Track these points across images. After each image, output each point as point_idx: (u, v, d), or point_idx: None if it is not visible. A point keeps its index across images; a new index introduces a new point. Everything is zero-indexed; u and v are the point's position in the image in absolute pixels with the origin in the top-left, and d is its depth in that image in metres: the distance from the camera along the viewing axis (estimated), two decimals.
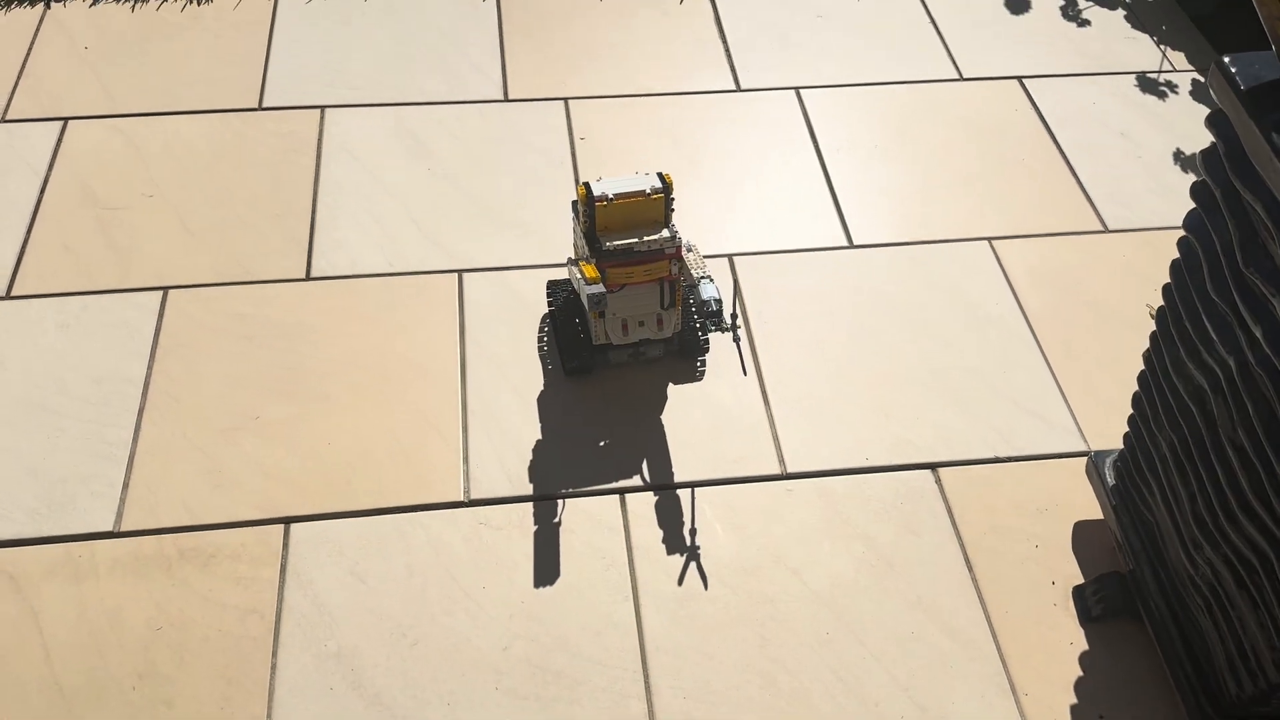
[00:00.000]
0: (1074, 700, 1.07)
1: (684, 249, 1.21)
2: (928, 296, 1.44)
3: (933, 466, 1.25)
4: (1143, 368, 1.07)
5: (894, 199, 1.57)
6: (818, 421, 1.29)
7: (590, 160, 1.60)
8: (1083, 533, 1.20)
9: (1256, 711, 0.98)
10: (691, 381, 1.31)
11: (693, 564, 1.15)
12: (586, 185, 1.15)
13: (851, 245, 1.50)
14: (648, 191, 1.15)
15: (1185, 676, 1.03)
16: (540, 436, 1.26)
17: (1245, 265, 0.84)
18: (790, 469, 1.25)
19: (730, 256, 1.48)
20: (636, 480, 1.22)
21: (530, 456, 1.24)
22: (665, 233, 1.16)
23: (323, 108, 1.66)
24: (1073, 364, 1.36)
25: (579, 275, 1.18)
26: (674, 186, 1.17)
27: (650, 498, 1.21)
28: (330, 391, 1.29)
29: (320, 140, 1.61)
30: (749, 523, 1.19)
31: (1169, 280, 1.00)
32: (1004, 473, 1.25)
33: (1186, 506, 0.99)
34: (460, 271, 1.44)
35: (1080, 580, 1.16)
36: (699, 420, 1.28)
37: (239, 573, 1.14)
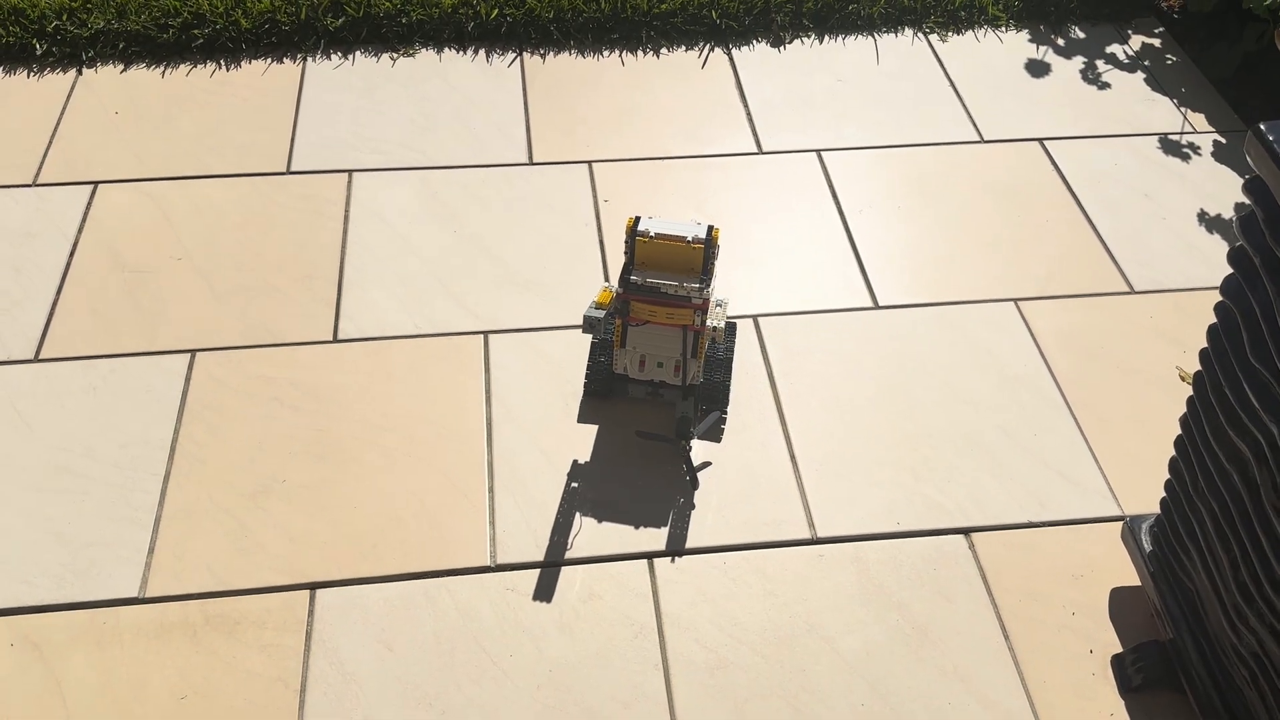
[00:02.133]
0: None
1: (713, 303, 1.21)
2: (955, 357, 1.43)
3: (966, 531, 1.24)
4: (1179, 433, 1.06)
5: (918, 260, 1.57)
6: (847, 484, 1.28)
7: (614, 222, 1.61)
8: (1120, 600, 1.18)
9: None
10: (713, 441, 1.30)
11: (724, 632, 1.14)
12: (636, 219, 1.17)
13: (877, 306, 1.50)
14: (689, 239, 1.15)
15: None
16: (567, 499, 1.25)
17: None
18: (821, 533, 1.23)
19: (755, 318, 1.48)
20: (664, 544, 1.21)
21: (557, 519, 1.23)
22: (697, 284, 1.16)
23: (350, 171, 1.68)
24: (1103, 426, 1.35)
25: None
26: (719, 243, 1.17)
27: (679, 562, 1.20)
28: (357, 454, 1.29)
29: (348, 203, 1.63)
30: (780, 589, 1.18)
31: (1205, 345, 0.99)
32: (1038, 538, 1.24)
33: (1229, 574, 0.98)
34: (486, 333, 1.44)
35: (1118, 649, 1.13)
36: (727, 482, 1.27)
37: (264, 639, 1.12)
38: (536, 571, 1.18)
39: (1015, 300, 1.51)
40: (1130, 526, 1.17)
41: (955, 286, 1.53)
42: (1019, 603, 1.17)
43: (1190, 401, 1.03)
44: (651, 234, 1.16)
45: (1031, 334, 1.46)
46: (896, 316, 1.48)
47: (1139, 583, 1.18)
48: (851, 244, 1.59)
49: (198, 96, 1.80)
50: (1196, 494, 1.03)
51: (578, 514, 1.24)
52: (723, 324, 1.21)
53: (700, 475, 1.26)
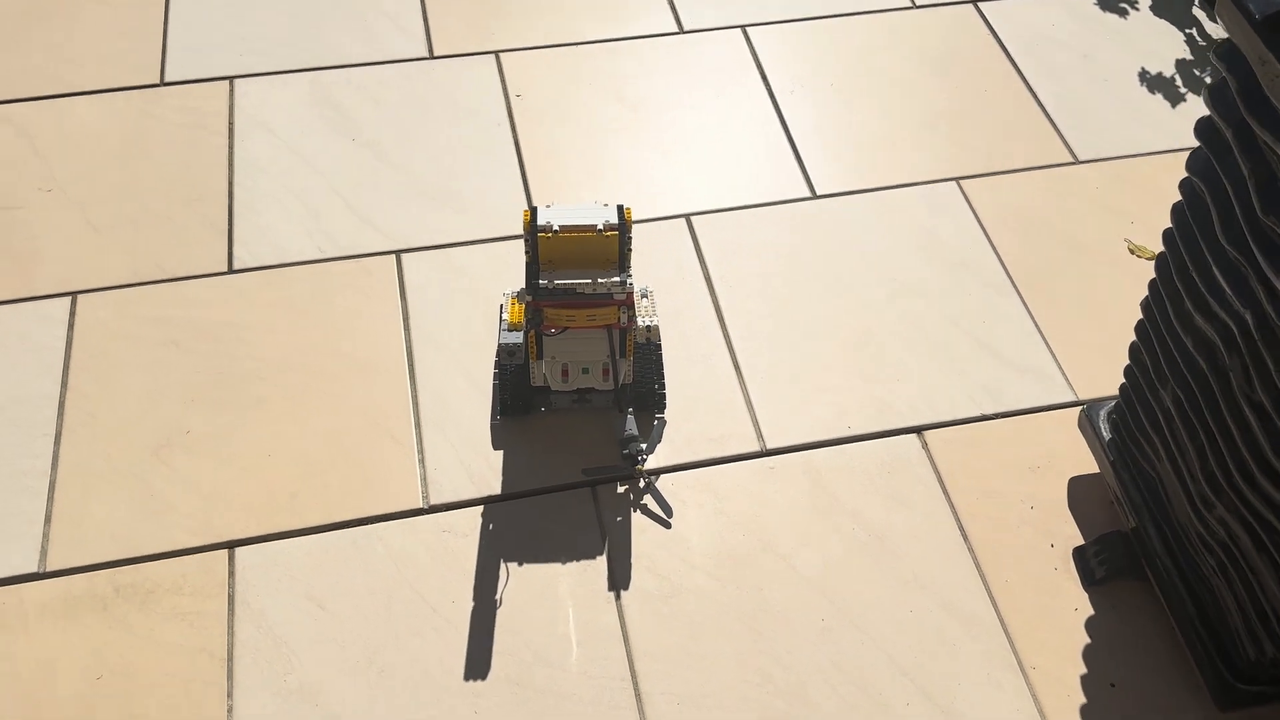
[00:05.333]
0: (1084, 670, 1.02)
1: (638, 295, 1.11)
2: (898, 245, 1.36)
3: (918, 430, 1.19)
4: (1140, 317, 1.01)
5: (855, 142, 1.48)
6: (794, 390, 1.22)
7: (529, 120, 1.48)
8: (1079, 489, 1.14)
9: (1277, 674, 0.94)
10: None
11: (676, 556, 1.08)
12: (532, 211, 1.04)
13: (814, 195, 1.41)
14: (600, 227, 1.02)
15: (1198, 640, 0.99)
16: (500, 428, 1.17)
17: (1264, 212, 0.77)
18: (770, 444, 1.17)
19: (687, 217, 1.38)
20: (605, 462, 1.14)
21: (492, 452, 1.15)
22: (616, 278, 1.03)
23: (231, 79, 1.52)
24: (1054, 309, 1.30)
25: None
26: (632, 224, 1.04)
27: (624, 487, 1.13)
28: (266, 396, 1.19)
29: (231, 115, 1.47)
30: (732, 507, 1.12)
31: (1169, 225, 0.93)
32: (992, 431, 1.19)
33: (1195, 463, 0.94)
34: (398, 252, 1.33)
35: (1080, 540, 1.11)
36: (670, 399, 1.20)
37: (183, 607, 1.04)
38: (474, 510, 1.11)
39: (957, 179, 1.43)
40: (1088, 414, 1.12)
41: (895, 169, 1.44)
42: (976, 501, 1.13)
43: (1152, 284, 0.97)
44: (555, 228, 1.02)
45: (975, 215, 1.39)
46: (836, 206, 1.40)
47: (1098, 470, 1.15)
48: (785, 129, 1.49)
49: (51, 3, 1.61)
50: (1160, 381, 0.98)
51: (514, 443, 1.16)
52: (655, 322, 1.10)
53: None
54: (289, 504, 1.11)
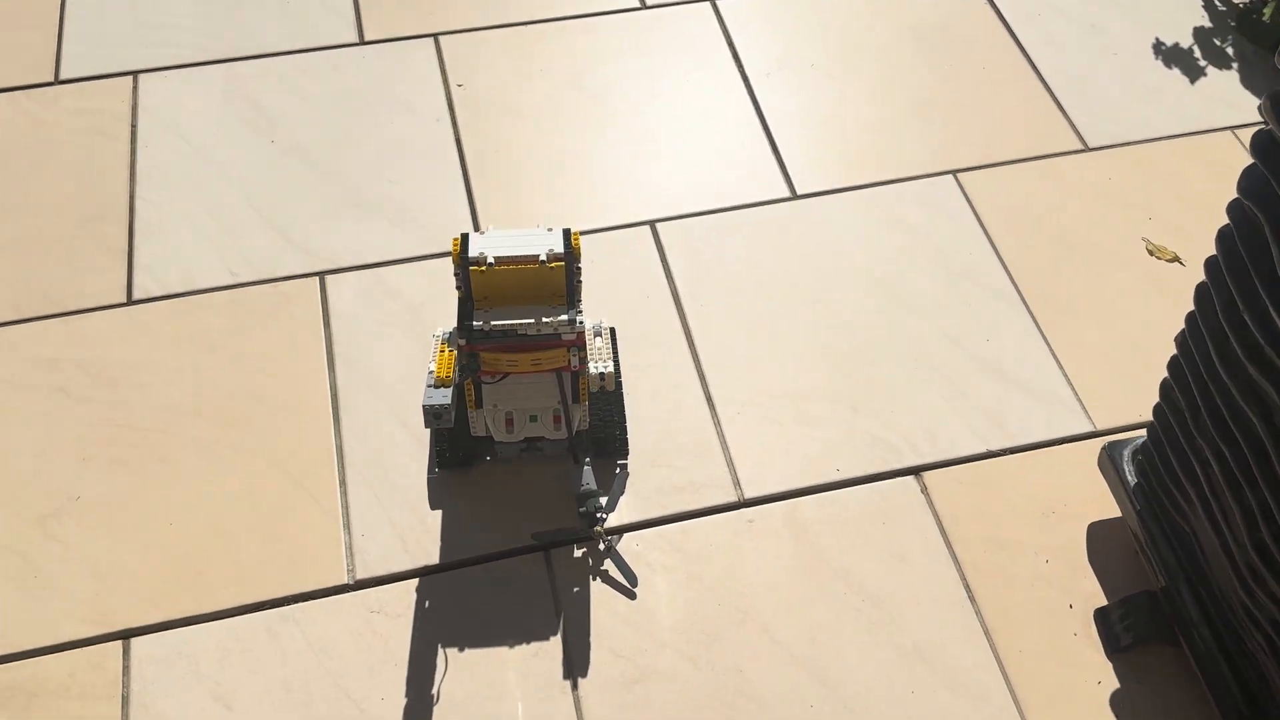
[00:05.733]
0: None
1: (590, 333, 0.96)
2: (890, 252, 1.21)
3: (916, 471, 1.04)
4: (1174, 353, 0.86)
5: (839, 132, 1.32)
6: (775, 427, 1.07)
7: (473, 114, 1.32)
8: (1100, 538, 1.00)
9: None
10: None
11: (642, 633, 0.94)
12: (462, 239, 0.88)
13: (794, 195, 1.26)
14: (543, 257, 0.87)
15: (1239, 716, 0.86)
16: (439, 484, 1.02)
17: None
18: (749, 493, 1.03)
19: (652, 224, 1.23)
20: (559, 523, 0.99)
21: (428, 513, 1.00)
22: (564, 316, 0.88)
23: (135, 73, 1.35)
24: (1065, 322, 1.15)
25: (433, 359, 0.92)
26: (580, 251, 0.88)
27: (580, 552, 0.99)
28: (170, 452, 1.03)
29: (134, 116, 1.30)
30: (706, 570, 0.98)
31: (1214, 254, 0.78)
32: (999, 469, 1.05)
33: (1242, 529, 0.80)
34: (322, 274, 1.17)
35: (1102, 599, 0.97)
36: (634, 442, 1.05)
37: (69, 713, 0.89)
38: (409, 583, 0.96)
39: (954, 172, 1.28)
40: (1110, 454, 0.98)
41: (885, 162, 1.29)
42: (984, 555, 0.99)
43: (1191, 319, 0.83)
44: (490, 259, 0.86)
45: (975, 213, 1.24)
46: (819, 207, 1.24)
47: (1120, 515, 1.01)
48: (760, 119, 1.33)
49: None
50: (1199, 430, 0.84)
51: (455, 501, 1.01)
52: (610, 366, 0.94)
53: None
54: (195, 583, 0.96)
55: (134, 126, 1.29)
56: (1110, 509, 1.01)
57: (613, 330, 1.01)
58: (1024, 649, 0.94)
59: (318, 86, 1.34)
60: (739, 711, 0.90)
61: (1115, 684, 0.92)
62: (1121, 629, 0.94)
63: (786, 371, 1.11)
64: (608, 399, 1.02)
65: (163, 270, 1.16)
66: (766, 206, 1.24)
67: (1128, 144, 1.31)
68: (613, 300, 1.16)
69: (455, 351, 0.90)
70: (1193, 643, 0.89)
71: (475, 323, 0.88)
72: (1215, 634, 0.87)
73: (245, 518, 0.99)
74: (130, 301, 1.14)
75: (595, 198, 1.25)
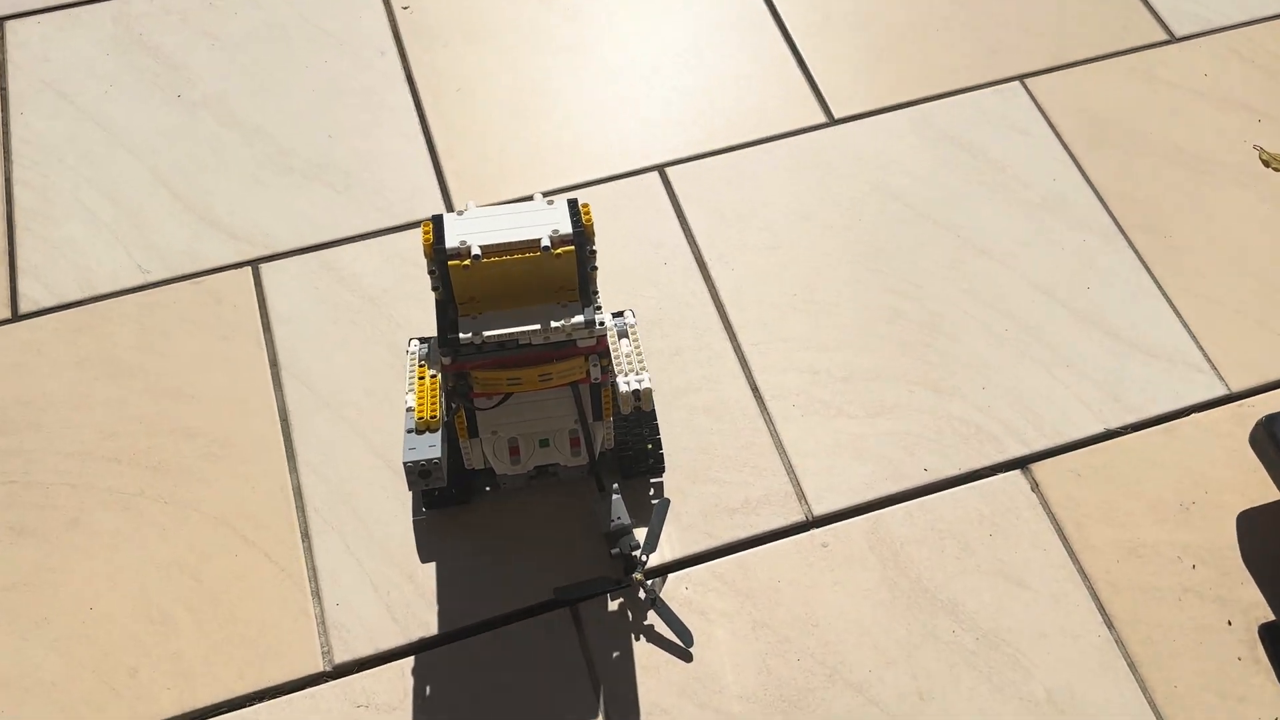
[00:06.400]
0: None
1: (614, 334, 0.73)
2: (954, 184, 0.99)
3: (1022, 463, 0.84)
4: None
5: (879, 38, 1.08)
6: (842, 422, 0.86)
7: (425, 44, 1.07)
8: (1255, 530, 0.81)
9: None
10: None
11: (705, 704, 0.74)
12: (434, 223, 0.65)
13: (831, 120, 1.02)
14: (546, 242, 0.64)
15: None
16: (428, 528, 0.80)
17: None
18: (818, 509, 0.82)
19: (661, 168, 1.00)
20: (587, 570, 0.78)
21: (418, 568, 0.79)
22: (579, 317, 0.66)
23: (1, 20, 1.08)
24: (1178, 259, 0.94)
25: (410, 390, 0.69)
26: (594, 229, 0.66)
27: (618, 602, 0.78)
28: (81, 512, 0.81)
29: (3, 75, 1.04)
30: (775, 613, 0.77)
31: None
32: (1123, 452, 0.85)
33: None
34: (255, 263, 0.93)
35: (1267, 611, 0.78)
36: (668, 454, 0.84)
37: None
38: (402, 664, 0.75)
39: (1021, 78, 1.05)
40: (1269, 428, 0.78)
41: (936, 70, 1.05)
42: (1117, 565, 0.80)
43: None
44: (475, 250, 0.64)
45: (1052, 126, 1.02)
46: (861, 133, 1.01)
47: (1278, 498, 0.81)
48: (781, 28, 1.08)
49: None
50: None
51: (452, 549, 0.80)
52: (648, 380, 0.72)
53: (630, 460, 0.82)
54: (127, 686, 0.74)
55: (3, 89, 1.03)
56: (1264, 492, 0.82)
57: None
58: (1179, 683, 0.75)
59: (230, 23, 1.08)
60: None
61: None
62: None
63: (846, 347, 0.89)
64: (640, 414, 0.80)
65: (54, 273, 0.92)
66: (798, 137, 1.01)
67: (1222, 29, 1.08)
68: (619, 270, 0.93)
69: (438, 375, 0.67)
70: None
71: (462, 334, 0.65)
72: None
73: (185, 593, 0.78)
74: (15, 317, 0.90)
75: (586, 141, 1.01)
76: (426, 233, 0.66)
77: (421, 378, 0.67)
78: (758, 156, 1.00)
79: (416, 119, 1.02)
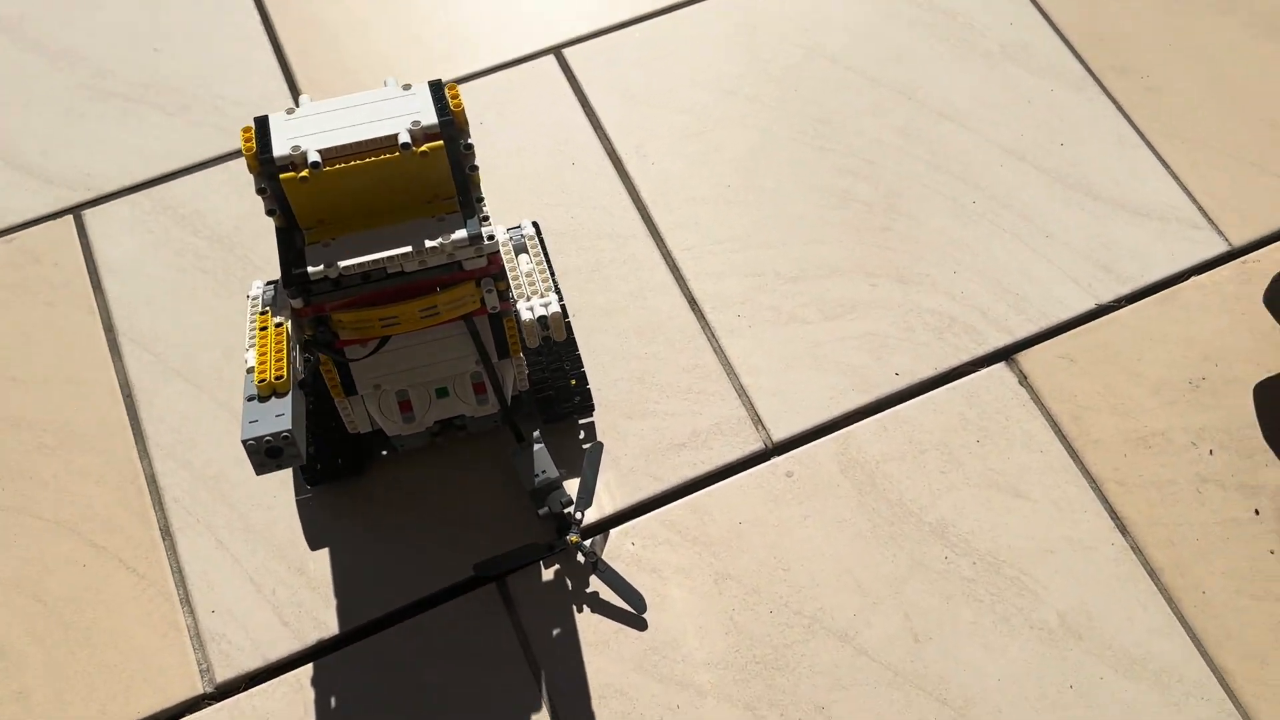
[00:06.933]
0: None
1: (511, 250, 0.60)
2: (897, 35, 0.85)
3: (1007, 354, 0.72)
4: None
5: None
6: (797, 329, 0.73)
7: None
8: (1272, 400, 0.71)
9: None
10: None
11: (668, 675, 0.62)
12: (258, 127, 0.51)
13: None
14: (405, 138, 0.50)
15: None
16: (317, 507, 0.67)
17: None
18: (779, 434, 0.70)
19: (557, 51, 0.84)
20: (512, 538, 0.65)
21: (309, 557, 0.65)
22: (461, 232, 0.52)
23: None
24: (1160, 102, 0.82)
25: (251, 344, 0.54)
26: (466, 117, 0.52)
27: (552, 571, 0.65)
28: None
29: None
30: (738, 560, 0.66)
31: None
32: (1119, 329, 0.73)
33: None
34: (77, 209, 0.77)
35: None
36: (597, 391, 0.70)
37: None
38: (299, 674, 0.62)
39: None
40: None
41: None
42: (1124, 461, 0.69)
43: None
44: (312, 156, 0.49)
45: None
46: None
47: None
48: None
49: None
50: None
51: (341, 534, 0.66)
52: (556, 303, 0.59)
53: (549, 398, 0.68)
54: None
55: None
56: (1277, 358, 0.71)
57: (535, 228, 0.65)
58: (1207, 588, 0.65)
59: None
60: None
61: None
62: None
63: (793, 241, 0.76)
64: (558, 343, 0.67)
65: None
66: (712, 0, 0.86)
67: None
68: (518, 176, 0.79)
69: (288, 322, 0.53)
70: None
71: (311, 268, 0.51)
72: None
73: (26, 618, 0.63)
74: None
75: (464, 25, 0.85)
76: (248, 140, 0.51)
77: (264, 328, 0.53)
78: (669, 27, 0.86)
79: (258, 17, 0.86)
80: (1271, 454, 0.69)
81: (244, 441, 0.48)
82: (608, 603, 0.64)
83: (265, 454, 0.49)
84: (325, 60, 0.84)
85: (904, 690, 0.62)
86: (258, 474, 0.49)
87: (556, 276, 0.69)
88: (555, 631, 0.63)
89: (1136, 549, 0.66)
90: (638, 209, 0.78)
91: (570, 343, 0.67)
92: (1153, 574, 0.65)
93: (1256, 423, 0.70)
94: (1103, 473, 0.68)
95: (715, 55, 0.85)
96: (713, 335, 0.73)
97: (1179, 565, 0.66)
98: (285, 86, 0.82)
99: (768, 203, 0.78)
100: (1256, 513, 0.67)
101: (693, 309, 0.74)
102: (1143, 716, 0.61)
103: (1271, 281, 0.68)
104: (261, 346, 0.52)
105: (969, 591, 0.65)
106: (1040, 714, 0.61)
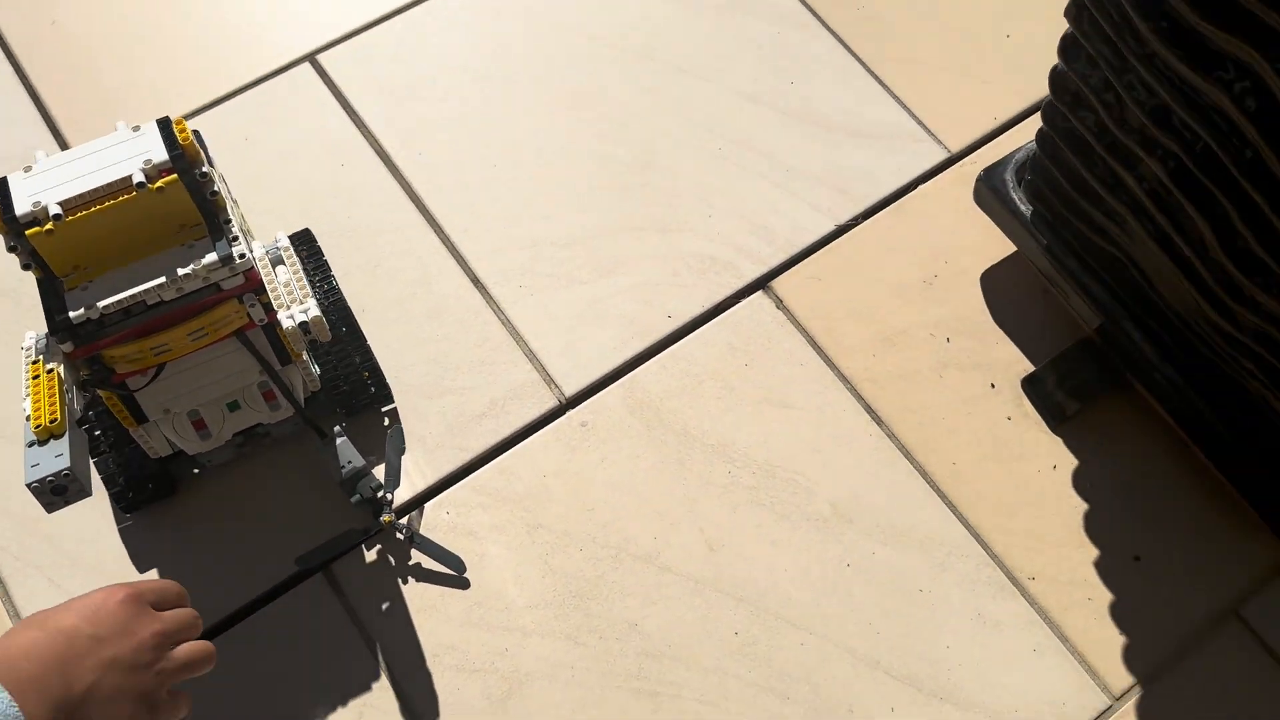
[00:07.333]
0: (1094, 554, 0.72)
1: (267, 262, 0.63)
2: (631, 4, 0.91)
3: (762, 284, 0.80)
4: (1067, 29, 0.63)
5: None
6: (575, 290, 0.79)
7: None
8: (999, 289, 0.80)
9: None
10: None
11: (496, 625, 0.68)
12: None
13: None
14: (140, 178, 0.53)
15: (1238, 465, 0.69)
16: (138, 532, 0.70)
17: None
18: (570, 389, 0.76)
19: (312, 58, 0.87)
20: (331, 529, 0.70)
21: (140, 578, 0.69)
22: (211, 255, 0.55)
23: None
24: (873, 27, 0.90)
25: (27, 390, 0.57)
26: (199, 145, 0.56)
27: (374, 550, 0.70)
28: None
29: None
30: (547, 510, 0.72)
31: None
32: (859, 245, 0.82)
33: (1213, 239, 0.60)
34: None
35: (1027, 364, 0.78)
36: (392, 376, 0.75)
37: None
38: None
39: None
40: (988, 182, 0.76)
41: None
42: (875, 361, 0.77)
43: None
44: (52, 210, 0.52)
45: None
46: None
47: (1015, 250, 0.80)
48: None
49: None
50: (1121, 127, 0.62)
51: (165, 554, 0.70)
52: (314, 307, 0.62)
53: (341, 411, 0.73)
54: None
55: None
56: (1000, 248, 0.81)
57: (308, 234, 0.69)
58: (957, 459, 0.74)
59: None
60: (654, 679, 0.67)
61: (1074, 461, 0.74)
62: (1061, 395, 0.75)
63: (563, 209, 0.82)
64: (337, 338, 0.71)
65: None
66: None
67: None
68: (291, 186, 0.82)
69: (60, 366, 0.56)
70: (1154, 385, 0.71)
71: (73, 311, 0.54)
72: (1182, 370, 0.69)
73: None
74: None
75: (218, 45, 0.87)
76: None
77: (36, 376, 0.56)
78: (419, 19, 0.89)
79: (8, 65, 0.86)
80: (1001, 333, 0.79)
81: (28, 485, 0.52)
82: (430, 570, 0.69)
83: (51, 493, 0.52)
84: (82, 99, 0.85)
85: (705, 595, 0.69)
86: (49, 512, 0.53)
87: (337, 277, 0.73)
88: (384, 605, 0.68)
89: (892, 435, 0.75)
90: (412, 200, 0.82)
91: (358, 337, 0.72)
92: (908, 455, 0.74)
93: (985, 308, 0.80)
94: (856, 374, 0.77)
95: (466, 42, 0.89)
96: (498, 308, 0.78)
97: (930, 443, 0.75)
98: (47, 130, 0.83)
99: (534, 176, 0.83)
100: (993, 386, 0.77)
101: (476, 287, 0.79)
102: (912, 580, 0.70)
103: (976, 182, 0.77)
104: (35, 393, 0.55)
105: (752, 498, 0.72)
106: (824, 593, 0.70)
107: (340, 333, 0.71)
